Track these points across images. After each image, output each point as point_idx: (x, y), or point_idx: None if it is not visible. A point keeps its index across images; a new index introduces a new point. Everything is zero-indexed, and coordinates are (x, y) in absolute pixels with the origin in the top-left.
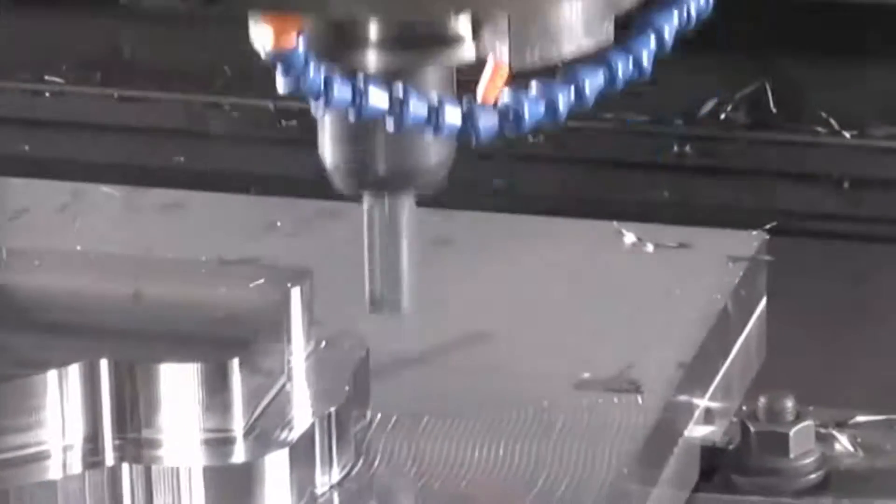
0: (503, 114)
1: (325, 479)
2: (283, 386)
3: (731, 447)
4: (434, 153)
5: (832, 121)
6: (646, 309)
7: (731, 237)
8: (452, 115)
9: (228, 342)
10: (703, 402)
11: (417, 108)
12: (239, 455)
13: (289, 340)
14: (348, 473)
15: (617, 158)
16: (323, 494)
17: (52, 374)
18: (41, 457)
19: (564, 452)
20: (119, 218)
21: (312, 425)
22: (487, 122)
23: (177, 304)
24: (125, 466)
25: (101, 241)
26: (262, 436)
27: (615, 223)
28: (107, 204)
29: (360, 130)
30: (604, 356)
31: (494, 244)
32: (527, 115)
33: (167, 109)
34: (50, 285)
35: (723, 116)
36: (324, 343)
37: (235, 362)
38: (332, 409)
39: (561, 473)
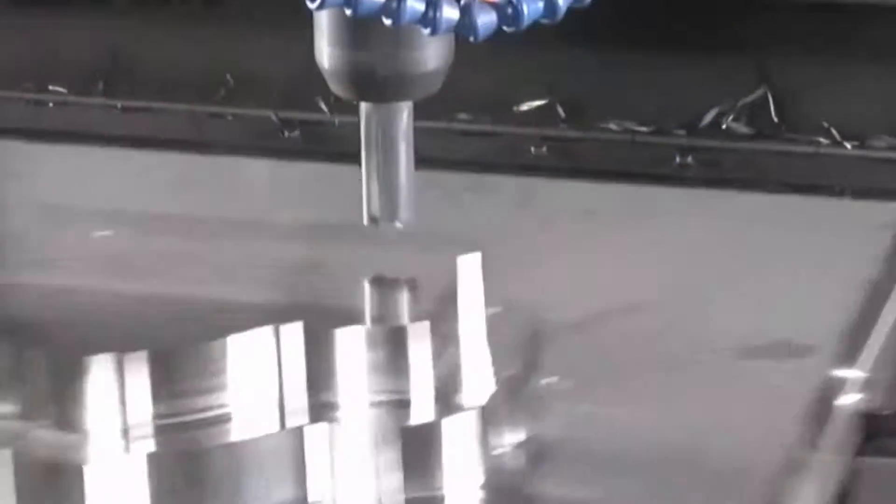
0: (502, 10)
1: (503, 441)
2: (464, 351)
3: (889, 413)
4: (432, 59)
5: (833, 131)
6: (801, 278)
7: (880, 208)
8: (450, 11)
9: (408, 307)
10: (860, 370)
11: (414, 3)
12: (422, 417)
13: (465, 307)
14: (525, 436)
15: (619, 169)
16: (501, 456)
17: (238, 337)
18: (227, 419)
19: (727, 419)
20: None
21: (491, 389)
22: (486, 19)
23: (357, 270)
24: (311, 428)
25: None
26: (445, 399)
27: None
28: (224, 174)
29: (357, 34)
30: (763, 325)
31: (637, 215)
32: (525, 12)
33: (170, 119)
34: (232, 252)
35: (724, 126)
36: (497, 309)
37: (418, 326)
38: (511, 373)
39: (724, 440)
